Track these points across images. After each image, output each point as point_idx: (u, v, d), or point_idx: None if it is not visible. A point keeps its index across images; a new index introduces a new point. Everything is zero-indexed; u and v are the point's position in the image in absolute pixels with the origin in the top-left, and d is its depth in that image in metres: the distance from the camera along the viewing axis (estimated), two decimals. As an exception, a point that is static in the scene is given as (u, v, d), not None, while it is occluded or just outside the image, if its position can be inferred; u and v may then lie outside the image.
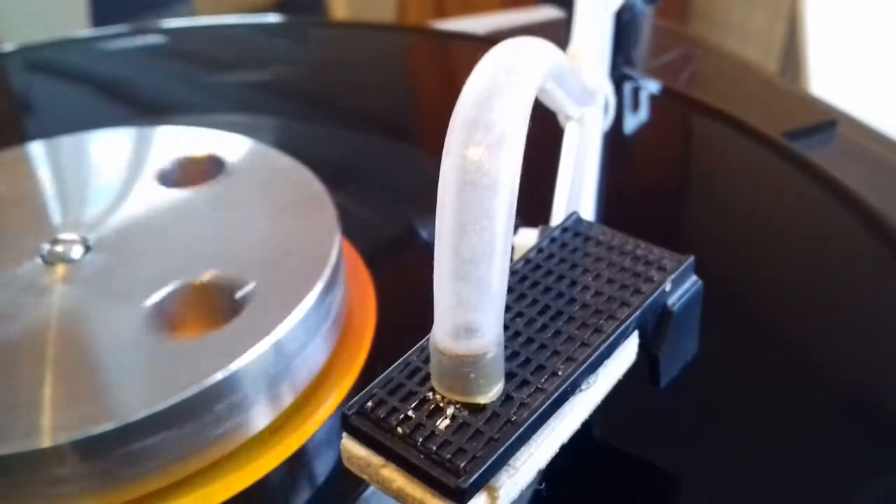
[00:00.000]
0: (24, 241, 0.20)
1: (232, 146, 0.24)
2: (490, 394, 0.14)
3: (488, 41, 0.40)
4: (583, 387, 0.15)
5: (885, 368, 0.21)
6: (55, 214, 0.22)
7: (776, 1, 0.79)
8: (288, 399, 0.18)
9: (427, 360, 0.14)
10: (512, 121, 0.12)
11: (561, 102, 0.20)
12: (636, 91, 0.35)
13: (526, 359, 0.14)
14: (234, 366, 0.17)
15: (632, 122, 0.34)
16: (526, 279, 0.16)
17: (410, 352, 0.15)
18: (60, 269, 0.19)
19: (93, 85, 0.38)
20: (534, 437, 0.14)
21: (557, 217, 0.20)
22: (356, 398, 0.14)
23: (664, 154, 0.34)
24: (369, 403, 0.14)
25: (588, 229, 0.18)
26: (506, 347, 0.14)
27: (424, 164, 0.30)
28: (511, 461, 0.13)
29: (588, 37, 0.24)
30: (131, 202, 0.22)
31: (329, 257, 0.20)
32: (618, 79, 0.34)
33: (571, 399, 0.14)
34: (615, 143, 0.30)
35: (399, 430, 0.13)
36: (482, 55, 0.13)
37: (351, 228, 0.23)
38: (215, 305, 0.19)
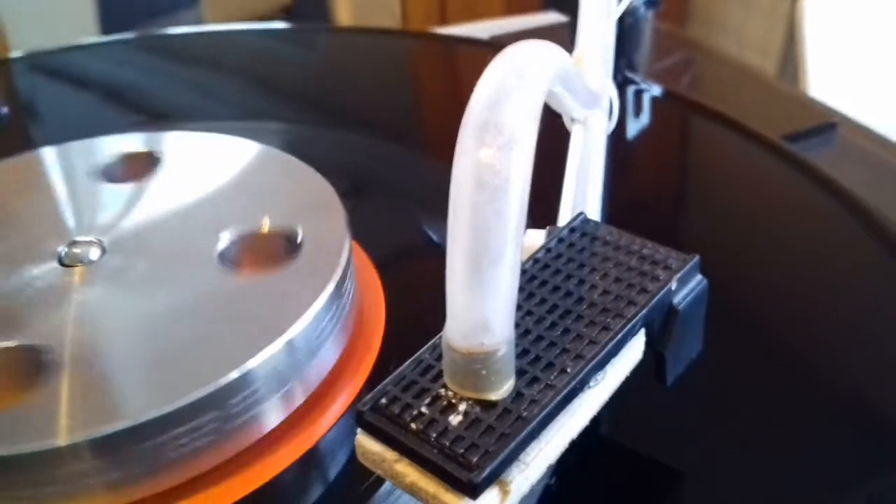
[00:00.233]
0: (41, 245, 0.21)
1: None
2: (501, 390, 0.14)
3: (491, 46, 0.41)
4: (591, 384, 0.15)
5: (885, 369, 0.21)
6: (69, 218, 0.22)
7: (774, 4, 0.79)
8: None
9: (439, 358, 0.14)
10: (522, 123, 0.13)
11: (567, 105, 0.20)
12: (638, 94, 0.35)
13: (536, 356, 0.15)
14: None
15: (634, 126, 0.34)
16: (535, 278, 0.17)
17: (423, 349, 0.15)
18: (78, 272, 0.20)
19: (101, 91, 0.39)
20: (544, 432, 0.14)
21: (564, 217, 0.21)
22: (370, 394, 0.14)
23: (666, 156, 0.34)
24: (383, 400, 0.14)
25: (595, 229, 0.18)
26: (516, 345, 0.14)
27: (430, 168, 0.30)
28: (522, 456, 0.14)
29: (592, 41, 0.24)
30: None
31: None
32: (620, 82, 0.34)
33: (580, 396, 0.15)
34: (618, 145, 0.30)
35: (413, 425, 0.14)
36: (486, 59, 0.13)
37: (358, 231, 0.23)
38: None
